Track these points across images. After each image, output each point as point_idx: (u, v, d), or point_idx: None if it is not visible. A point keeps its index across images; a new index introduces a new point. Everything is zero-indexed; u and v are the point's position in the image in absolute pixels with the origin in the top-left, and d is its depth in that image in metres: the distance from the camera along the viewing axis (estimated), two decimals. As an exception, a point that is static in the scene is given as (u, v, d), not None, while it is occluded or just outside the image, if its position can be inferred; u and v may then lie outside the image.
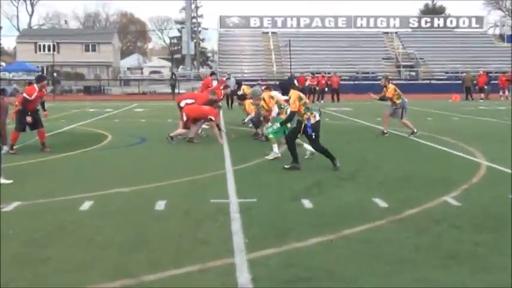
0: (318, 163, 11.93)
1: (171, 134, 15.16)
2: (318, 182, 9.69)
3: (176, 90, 46.04)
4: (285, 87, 11.64)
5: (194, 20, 77.69)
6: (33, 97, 13.51)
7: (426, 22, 65.21)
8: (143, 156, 13.34)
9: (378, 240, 6.37)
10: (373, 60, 57.82)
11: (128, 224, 7.12)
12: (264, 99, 13.89)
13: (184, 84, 53.41)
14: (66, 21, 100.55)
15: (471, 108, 31.58)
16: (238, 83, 22.11)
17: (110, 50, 77.55)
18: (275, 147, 12.48)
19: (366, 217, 7.31)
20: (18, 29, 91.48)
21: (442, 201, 8.24)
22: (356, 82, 52.07)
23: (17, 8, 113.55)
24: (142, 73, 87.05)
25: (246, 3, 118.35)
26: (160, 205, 8.05)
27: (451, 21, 65.53)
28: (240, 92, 19.34)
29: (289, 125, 11.77)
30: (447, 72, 54.94)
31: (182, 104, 15.78)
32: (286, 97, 15.22)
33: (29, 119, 13.48)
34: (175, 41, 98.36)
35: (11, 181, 9.63)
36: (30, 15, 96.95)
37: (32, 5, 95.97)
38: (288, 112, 11.23)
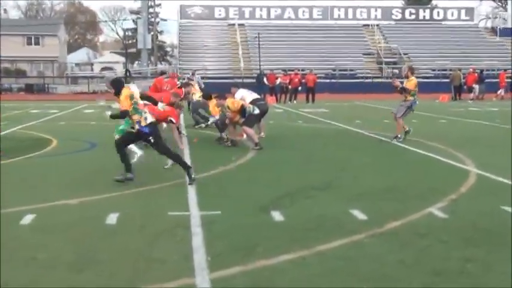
0: (290, 171, 12.01)
1: None
2: (289, 192, 9.74)
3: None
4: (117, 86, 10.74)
5: (151, 10, 77.51)
6: None
7: (411, 14, 65.87)
8: (93, 163, 13.28)
9: (356, 257, 6.43)
10: (352, 56, 58.22)
11: (75, 240, 7.08)
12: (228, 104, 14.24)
13: (140, 82, 53.22)
14: (5, 10, 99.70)
15: (460, 109, 31.98)
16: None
17: (55, 44, 77.03)
18: None
19: (342, 231, 7.37)
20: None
21: (427, 213, 8.34)
22: (333, 80, 52.41)
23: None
24: (92, 70, 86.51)
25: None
26: (112, 218, 8.02)
27: (438, 12, 66.29)
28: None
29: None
30: (434, 70, 55.57)
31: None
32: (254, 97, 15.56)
33: None
34: (130, 33, 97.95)
35: None
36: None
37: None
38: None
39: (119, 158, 10.62)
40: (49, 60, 73.96)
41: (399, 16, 65.62)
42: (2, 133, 19.24)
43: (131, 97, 10.45)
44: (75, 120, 25.34)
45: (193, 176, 10.42)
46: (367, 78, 54.29)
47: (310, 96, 40.31)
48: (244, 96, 16.95)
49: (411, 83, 16.86)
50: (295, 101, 40.61)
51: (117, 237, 7.19)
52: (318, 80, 43.75)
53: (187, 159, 13.40)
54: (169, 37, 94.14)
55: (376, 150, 15.30)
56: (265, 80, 42.80)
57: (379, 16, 64.53)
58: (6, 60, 69.37)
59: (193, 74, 32.36)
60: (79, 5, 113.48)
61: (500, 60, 57.05)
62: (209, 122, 16.49)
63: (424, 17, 65.62)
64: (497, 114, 26.88)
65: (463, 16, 65.20)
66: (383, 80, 53.33)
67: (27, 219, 8.01)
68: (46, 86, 57.71)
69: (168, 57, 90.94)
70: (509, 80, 47.04)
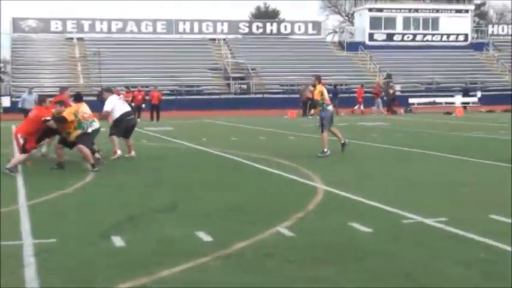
0: (132, 193, 11.91)
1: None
2: (131, 216, 9.63)
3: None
4: None
5: (-20, 23, 74.76)
6: None
7: (258, 28, 67.10)
8: None
9: (202, 281, 6.43)
10: (198, 72, 58.55)
11: None
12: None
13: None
14: None
15: (309, 125, 32.86)
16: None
17: None
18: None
19: (187, 254, 7.36)
20: None
21: (274, 233, 8.48)
22: (179, 97, 52.46)
23: None
24: None
25: (45, 3, 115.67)
26: None
27: (286, 26, 67.89)
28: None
29: None
30: (282, 85, 56.84)
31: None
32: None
33: None
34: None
35: None
36: None
37: None
38: None
39: None
40: None
41: (246, 30, 66.66)
42: None
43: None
44: None
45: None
46: (213, 94, 54.78)
47: (155, 113, 40.19)
48: (115, 106, 17.26)
49: (316, 92, 17.53)
50: (138, 119, 40.27)
51: None
52: (163, 97, 43.72)
53: (20, 183, 13.02)
54: (1, 52, 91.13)
55: (222, 169, 15.44)
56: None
57: (225, 30, 65.26)
58: None
59: (30, 93, 31.32)
60: None
61: (348, 74, 59.19)
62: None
63: (271, 31, 67.00)
64: (346, 129, 27.79)
65: (310, 30, 67.11)
66: (230, 97, 54.06)
67: None
68: None
69: (0, 74, 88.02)
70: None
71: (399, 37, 65.56)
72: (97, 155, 16.18)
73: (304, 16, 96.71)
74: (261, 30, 66.74)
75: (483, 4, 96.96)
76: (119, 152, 17.43)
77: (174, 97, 51.73)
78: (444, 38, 66.03)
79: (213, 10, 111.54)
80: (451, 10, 66.60)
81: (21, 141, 14.56)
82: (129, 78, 53.06)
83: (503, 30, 70.57)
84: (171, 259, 7.18)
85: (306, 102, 43.71)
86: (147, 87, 47.94)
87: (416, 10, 66.06)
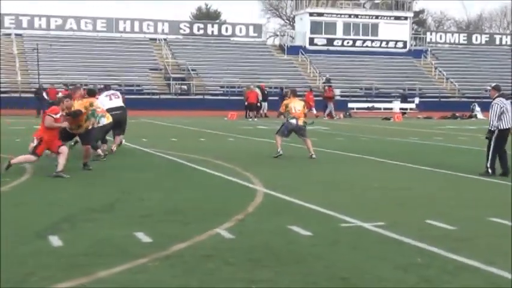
0: (70, 193, 11.78)
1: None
2: (69, 215, 9.54)
3: None
4: None
5: None
6: None
7: (199, 29, 66.93)
8: None
9: (140, 282, 6.40)
10: (138, 71, 58.15)
11: None
12: None
13: None
14: None
15: (249, 127, 32.93)
16: None
17: None
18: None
19: (126, 255, 7.32)
20: None
21: (214, 234, 8.48)
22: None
23: None
24: None
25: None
26: None
27: (227, 28, 67.93)
28: None
29: None
30: (223, 87, 56.83)
31: None
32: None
33: None
34: None
35: None
36: None
37: None
38: None
39: None
40: None
41: (187, 31, 66.40)
42: None
43: None
44: None
45: None
46: (154, 94, 54.44)
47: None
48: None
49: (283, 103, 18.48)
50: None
51: None
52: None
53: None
54: None
55: (162, 170, 15.37)
56: (45, 94, 41.74)
57: (166, 30, 64.85)
58: None
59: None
60: None
61: (289, 78, 59.45)
62: None
63: (212, 32, 66.92)
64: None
65: (251, 33, 67.21)
66: (170, 97, 53.82)
67: None
68: None
69: None
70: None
71: (339, 42, 66.09)
72: (99, 151, 16.62)
73: (245, 18, 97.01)
74: (202, 32, 66.57)
75: (422, 12, 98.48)
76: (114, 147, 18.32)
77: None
78: (383, 44, 66.78)
79: (154, 10, 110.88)
80: (390, 17, 67.39)
81: (33, 144, 14.02)
82: (68, 76, 52.41)
83: (441, 38, 71.76)
84: (109, 259, 7.14)
85: (250, 105, 43.92)
86: (86, 85, 47.40)
87: (357, 16, 66.68)
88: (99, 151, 16.76)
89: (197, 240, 8.15)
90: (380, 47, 66.66)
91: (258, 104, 45.16)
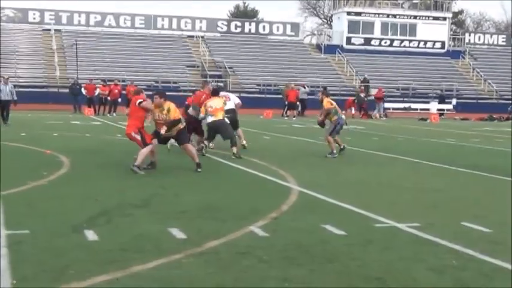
0: (107, 187, 11.88)
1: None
2: (105, 210, 9.62)
3: None
4: None
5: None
6: None
7: (236, 27, 67.01)
8: None
9: (174, 277, 6.44)
10: (175, 68, 58.41)
11: None
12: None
13: None
14: None
15: (284, 126, 32.92)
16: None
17: None
18: None
19: (160, 250, 7.36)
20: None
21: (248, 232, 8.50)
22: (154, 91, 52.13)
23: None
24: None
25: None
26: None
27: (264, 27, 67.92)
28: None
29: None
30: (259, 85, 56.86)
31: None
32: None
33: None
34: None
35: None
36: None
37: None
38: None
39: None
40: None
41: (225, 28, 66.52)
42: None
43: None
44: None
45: None
46: (190, 91, 54.59)
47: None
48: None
49: (324, 103, 18.01)
50: (114, 114, 40.20)
51: None
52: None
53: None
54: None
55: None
56: (83, 90, 42.17)
57: (204, 28, 65.09)
58: None
59: (6, 83, 30.85)
60: None
61: (325, 77, 59.31)
62: None
63: (249, 30, 66.93)
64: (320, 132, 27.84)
65: (288, 31, 67.16)
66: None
67: None
68: None
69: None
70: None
71: (377, 42, 65.79)
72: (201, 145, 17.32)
73: (283, 17, 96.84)
74: (239, 30, 66.64)
75: (461, 12, 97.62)
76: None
77: (150, 92, 51.38)
78: (421, 44, 66.35)
79: (192, 7, 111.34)
80: (428, 17, 66.94)
81: (138, 137, 14.09)
82: (106, 72, 52.82)
83: (479, 39, 71.07)
84: (144, 255, 7.18)
85: (290, 104, 43.83)
86: (123, 81, 47.78)
87: (395, 16, 66.32)
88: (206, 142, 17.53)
89: (232, 237, 8.17)
90: (418, 47, 66.23)
91: (298, 103, 45.07)
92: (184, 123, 14.84)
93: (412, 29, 66.40)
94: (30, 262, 6.82)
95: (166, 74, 56.33)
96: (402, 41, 66.24)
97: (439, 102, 52.07)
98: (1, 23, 60.40)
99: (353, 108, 46.71)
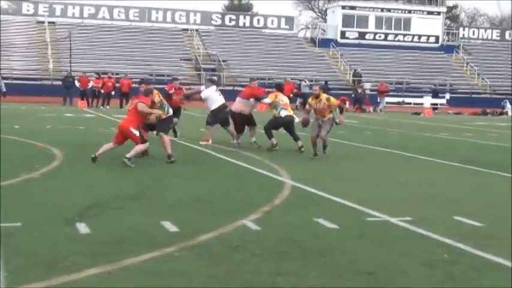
0: (100, 180, 11.87)
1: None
2: (98, 203, 9.62)
3: None
4: None
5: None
6: None
7: (231, 20, 66.87)
8: None
9: (166, 271, 6.44)
10: (170, 61, 58.35)
11: None
12: None
13: None
14: None
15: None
16: None
17: None
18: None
19: (152, 244, 7.36)
20: None
21: (240, 226, 8.50)
22: (150, 86, 51.97)
23: None
24: None
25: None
26: None
27: (258, 20, 67.82)
28: None
29: None
30: (253, 79, 56.75)
31: None
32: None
33: None
34: None
35: None
36: None
37: None
38: None
39: None
40: None
41: (219, 22, 66.43)
42: None
43: None
44: None
45: None
46: (184, 84, 54.52)
47: (124, 101, 39.97)
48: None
49: (331, 101, 16.50)
50: (108, 106, 40.17)
51: None
52: (134, 85, 43.41)
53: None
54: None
55: (191, 160, 15.39)
56: (76, 82, 42.11)
57: (198, 21, 64.99)
58: None
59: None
60: None
61: (319, 70, 59.33)
62: None
63: (244, 23, 66.82)
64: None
65: (283, 25, 67.07)
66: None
67: None
68: None
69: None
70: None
71: (371, 36, 65.77)
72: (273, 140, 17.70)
73: (277, 11, 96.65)
74: (233, 23, 66.52)
75: (455, 7, 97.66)
76: (210, 141, 18.58)
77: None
78: (415, 38, 66.35)
79: (187, 0, 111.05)
80: (423, 11, 66.93)
81: (137, 133, 14.02)
82: (99, 64, 52.74)
83: (473, 34, 71.10)
84: (136, 248, 7.18)
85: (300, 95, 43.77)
86: (117, 74, 47.71)
87: (389, 10, 66.31)
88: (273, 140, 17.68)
89: (224, 231, 8.17)
90: (412, 41, 66.22)
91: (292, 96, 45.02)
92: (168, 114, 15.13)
93: (407, 23, 66.38)
94: (22, 254, 6.80)
95: (160, 67, 56.27)
96: (396, 35, 66.22)
97: (433, 97, 52.15)
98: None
99: (347, 103, 46.72)
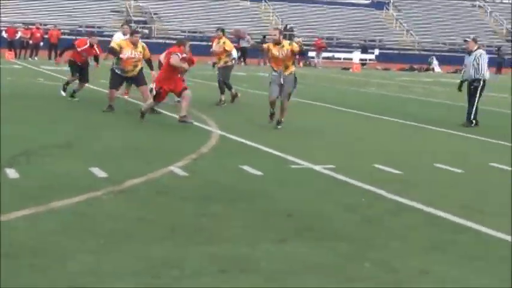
0: (30, 129, 11.89)
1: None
2: (28, 150, 9.67)
3: None
4: None
5: None
6: None
7: (162, -28, 66.05)
8: None
9: (94, 213, 6.60)
10: (99, 13, 57.51)
11: None
12: None
13: None
14: None
15: (208, 72, 32.96)
16: None
17: None
18: None
19: (80, 188, 7.50)
20: None
21: (168, 172, 8.70)
22: (79, 37, 51.32)
23: None
24: None
25: None
26: None
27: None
28: None
29: None
30: (184, 32, 56.49)
31: None
32: None
33: None
34: None
35: None
36: None
37: None
38: None
39: None
40: None
41: (150, -27, 65.53)
42: None
43: None
44: None
45: None
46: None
47: (53, 52, 39.43)
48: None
49: (293, 45, 13.78)
50: (36, 58, 39.60)
51: None
52: (63, 37, 42.84)
53: None
54: None
55: (120, 111, 15.41)
56: (3, 33, 41.32)
57: (126, -29, 63.99)
58: None
59: None
60: None
61: (251, 25, 59.31)
62: None
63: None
64: (245, 78, 28.04)
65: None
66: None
67: None
68: None
69: None
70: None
71: (303, -9, 65.90)
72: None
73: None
74: (165, -25, 65.73)
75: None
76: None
77: (74, 37, 50.59)
78: (347, -5, 66.80)
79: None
80: (354, -32, 67.35)
81: (154, 92, 13.37)
82: (28, 15, 51.73)
83: (403, -9, 71.86)
84: (64, 192, 7.31)
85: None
86: (45, 25, 46.91)
87: (321, -34, 66.48)
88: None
89: (152, 177, 8.35)
90: (343, -3, 66.61)
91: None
92: None
93: (338, -20, 66.65)
94: (-49, 198, 6.90)
95: (90, 18, 55.46)
96: (328, -9, 66.49)
97: (362, 52, 52.78)
98: None
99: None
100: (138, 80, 15.12)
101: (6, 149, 9.65)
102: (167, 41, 53.66)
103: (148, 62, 15.23)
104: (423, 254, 5.78)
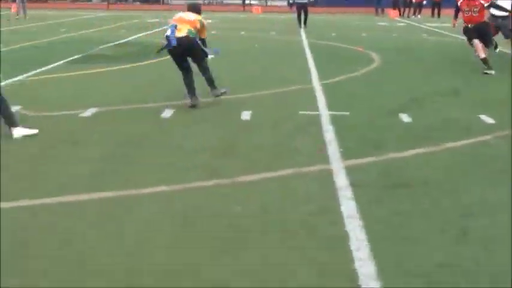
0: (414, 80, 12.48)
1: None
2: (416, 98, 10.30)
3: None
4: None
5: None
6: None
7: None
8: (224, 67, 13.17)
9: (483, 154, 7.04)
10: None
11: (214, 131, 7.97)
12: None
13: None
14: None
15: None
16: None
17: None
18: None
19: (469, 132, 7.97)
20: None
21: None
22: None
23: None
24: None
25: None
26: (245, 115, 8.85)
27: None
28: None
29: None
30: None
31: None
32: None
33: None
34: None
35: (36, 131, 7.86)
36: None
37: None
38: None
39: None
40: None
41: None
42: (127, 39, 20.43)
43: None
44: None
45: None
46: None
47: (436, 10, 39.57)
48: None
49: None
50: (419, 16, 40.15)
51: (253, 131, 8.04)
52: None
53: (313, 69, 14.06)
54: None
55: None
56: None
57: None
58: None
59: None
60: None
61: None
62: None
63: None
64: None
65: None
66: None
67: (167, 113, 8.97)
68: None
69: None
70: None
71: None
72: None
73: None
74: None
75: None
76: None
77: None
78: None
79: None
80: None
81: None
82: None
83: None
84: (455, 134, 7.84)
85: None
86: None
87: None
88: None
89: None
90: None
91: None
92: None
93: None
94: (353, 136, 7.76)
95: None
96: None
97: None
98: None
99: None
100: None
101: (395, 98, 10.38)
102: None
103: None
104: None
